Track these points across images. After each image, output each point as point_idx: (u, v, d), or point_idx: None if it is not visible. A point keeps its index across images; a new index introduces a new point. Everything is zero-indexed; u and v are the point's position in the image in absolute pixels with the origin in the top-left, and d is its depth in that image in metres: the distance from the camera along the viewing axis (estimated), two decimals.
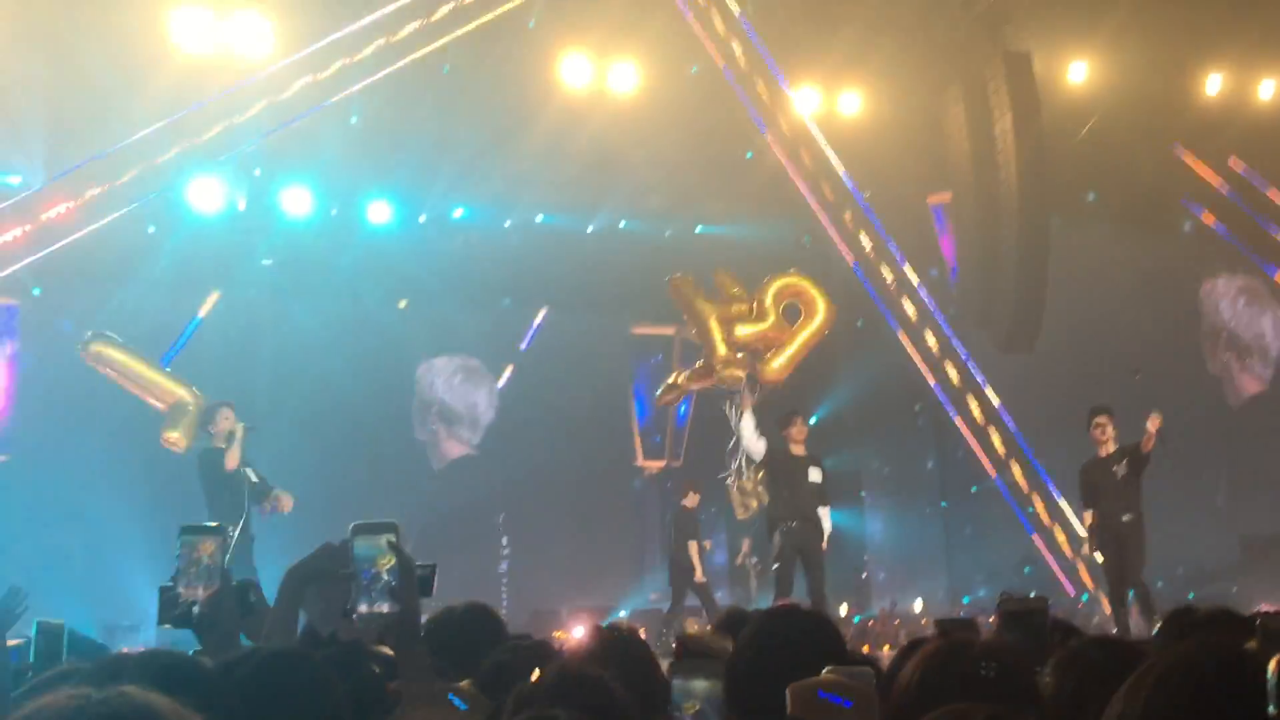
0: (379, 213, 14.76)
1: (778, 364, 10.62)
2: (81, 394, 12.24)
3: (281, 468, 14.47)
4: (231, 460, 9.13)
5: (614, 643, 3.02)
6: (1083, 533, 10.36)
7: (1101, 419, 9.99)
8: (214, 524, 2.50)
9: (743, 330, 10.68)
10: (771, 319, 10.71)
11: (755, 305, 10.84)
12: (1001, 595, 3.44)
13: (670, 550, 12.49)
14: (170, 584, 2.40)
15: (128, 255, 13.29)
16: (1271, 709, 1.00)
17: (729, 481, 16.04)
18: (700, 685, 2.18)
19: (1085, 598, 13.53)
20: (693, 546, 12.17)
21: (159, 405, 10.65)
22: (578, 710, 2.11)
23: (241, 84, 12.01)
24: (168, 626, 2.43)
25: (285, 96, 12.20)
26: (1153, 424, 9.57)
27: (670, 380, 11.52)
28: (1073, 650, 2.02)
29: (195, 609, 2.38)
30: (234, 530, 8.60)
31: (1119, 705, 1.31)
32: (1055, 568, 14.22)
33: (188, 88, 11.88)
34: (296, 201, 14.10)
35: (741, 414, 9.74)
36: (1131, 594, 9.67)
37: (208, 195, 13.63)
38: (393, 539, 2.29)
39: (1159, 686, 1.27)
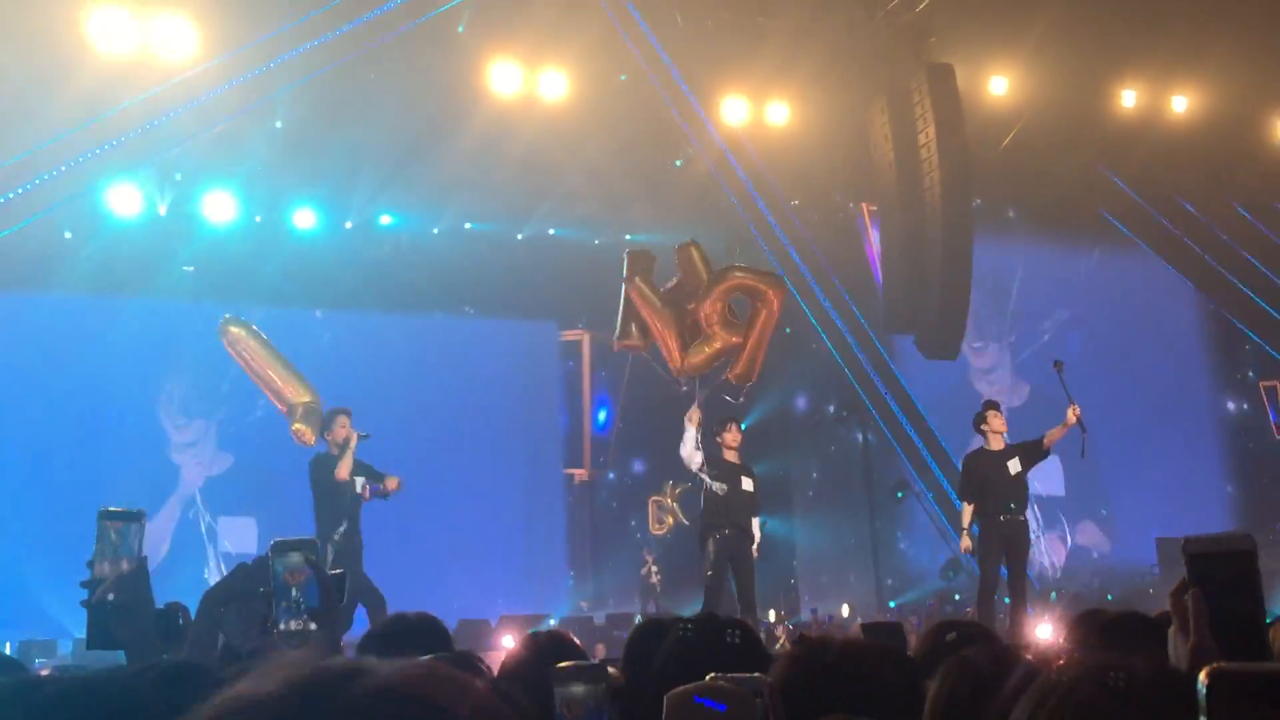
0: (304, 219, 14.58)
1: (741, 370, 10.23)
2: None
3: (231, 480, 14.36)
4: (343, 470, 9.13)
5: (550, 648, 2.99)
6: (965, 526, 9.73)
7: (992, 412, 9.74)
8: (134, 509, 2.43)
9: (695, 356, 10.20)
10: (719, 337, 10.14)
11: (702, 321, 10.26)
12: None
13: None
14: (89, 571, 2.34)
15: (43, 260, 12.98)
16: None
17: (650, 498, 16.12)
18: (578, 690, 2.17)
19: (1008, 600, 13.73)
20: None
21: (279, 401, 10.49)
22: None
23: (162, 87, 11.77)
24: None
25: (207, 100, 11.98)
26: (1072, 414, 9.43)
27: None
28: (959, 656, 2.02)
29: (110, 597, 2.33)
30: (337, 535, 8.81)
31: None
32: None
33: (107, 90, 11.61)
34: (219, 207, 13.88)
35: (687, 425, 9.65)
36: (1008, 599, 9.46)
37: (127, 200, 13.37)
38: (311, 556, 2.28)
39: (1065, 704, 1.19)
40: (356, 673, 0.76)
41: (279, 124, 13.30)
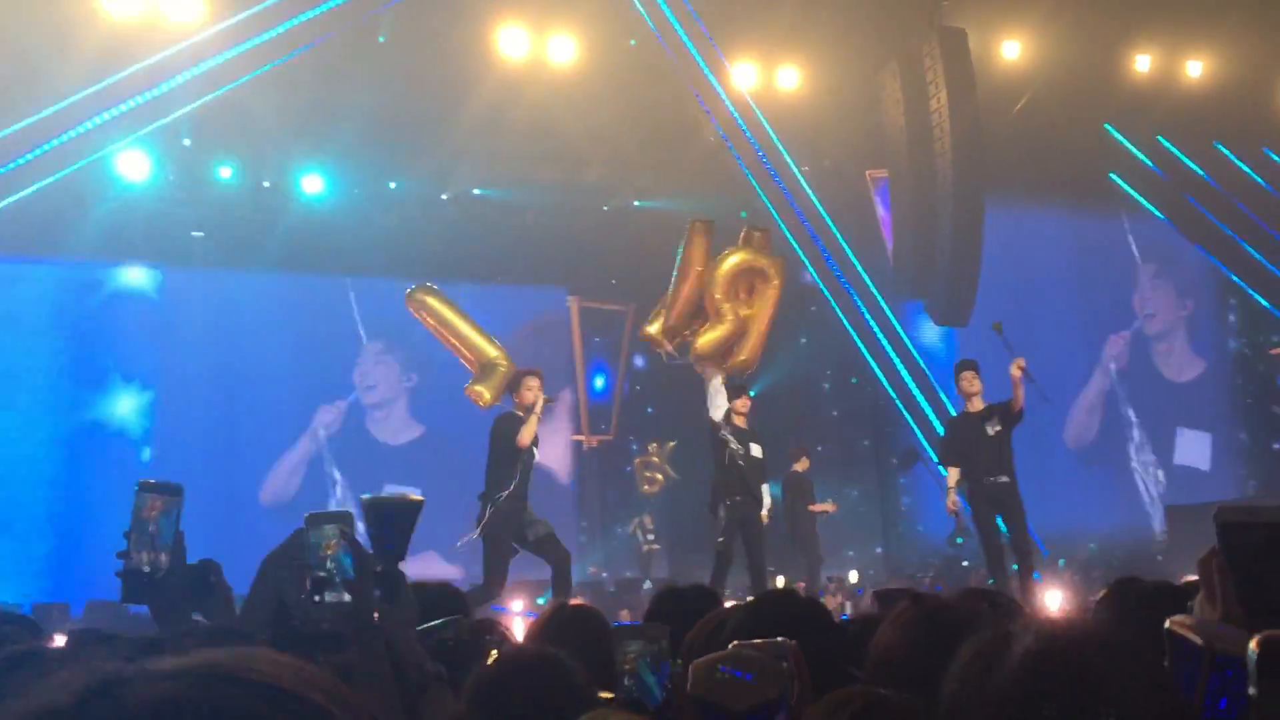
0: (312, 185, 14.55)
1: (745, 354, 9.99)
2: None
3: (211, 443, 14.40)
4: (526, 435, 8.74)
5: (571, 620, 3.02)
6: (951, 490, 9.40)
7: (968, 373, 9.38)
8: (172, 483, 2.42)
9: (703, 342, 9.97)
10: (729, 320, 9.81)
11: (707, 307, 9.87)
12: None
13: (787, 516, 12.54)
14: (125, 552, 2.34)
15: (53, 225, 12.98)
16: (1251, 690, 1.00)
17: (635, 459, 16.11)
18: (634, 645, 2.17)
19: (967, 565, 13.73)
20: (816, 508, 12.66)
21: (468, 361, 10.30)
22: (535, 690, 2.10)
23: (171, 50, 11.71)
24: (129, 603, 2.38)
25: (216, 64, 11.93)
26: (1015, 369, 9.15)
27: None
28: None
29: (146, 569, 2.33)
30: (500, 496, 8.58)
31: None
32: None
33: (115, 54, 11.56)
34: (229, 172, 13.86)
35: (709, 380, 9.63)
36: (1015, 566, 9.13)
37: (135, 165, 13.35)
38: (345, 529, 2.29)
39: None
40: (124, 681, 0.73)
41: (288, 89, 13.24)
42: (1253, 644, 1.00)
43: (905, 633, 1.94)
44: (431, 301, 10.44)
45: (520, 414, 8.85)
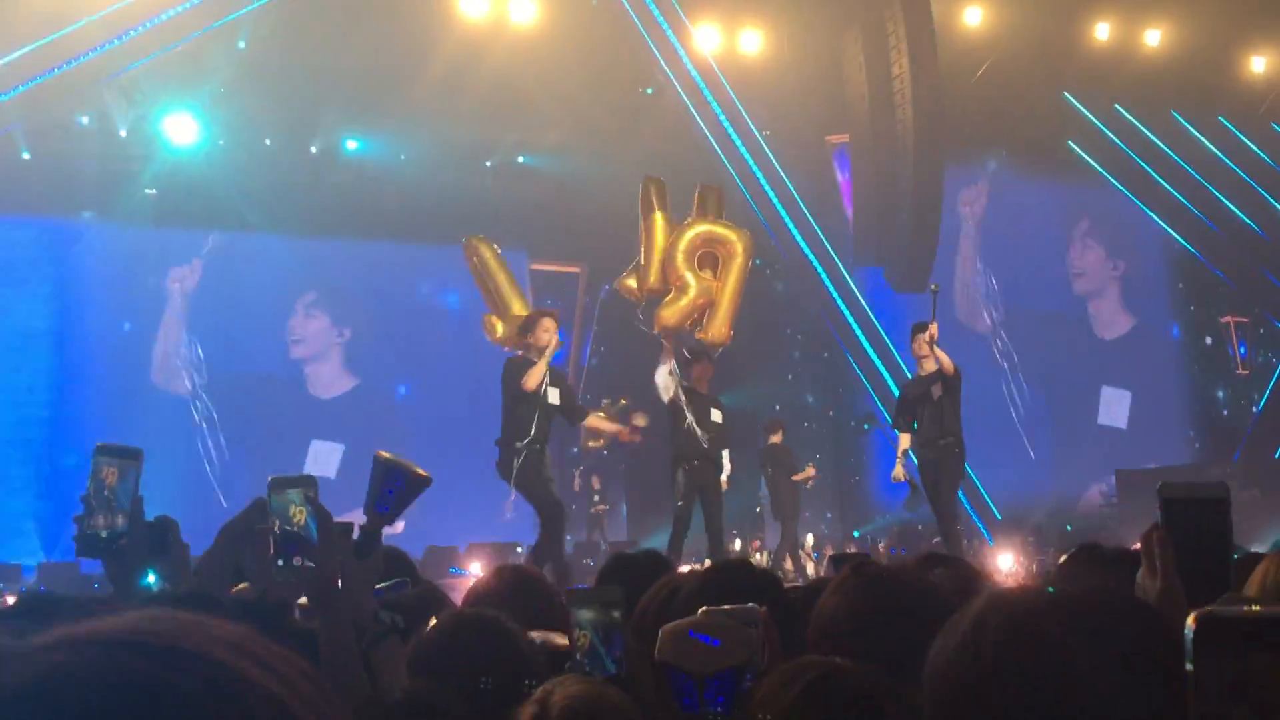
0: (268, 143, 14.34)
1: (716, 329, 9.92)
2: None
3: (164, 402, 14.26)
4: (532, 380, 8.35)
5: (515, 583, 3.01)
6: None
7: (916, 336, 9.37)
8: (128, 447, 2.39)
9: (667, 314, 9.90)
10: (693, 289, 9.65)
11: (669, 277, 9.78)
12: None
13: (769, 488, 12.72)
14: (83, 513, 2.31)
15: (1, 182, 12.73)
16: (1188, 666, 1.01)
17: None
18: (585, 615, 2.18)
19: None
20: (799, 476, 13.01)
21: (496, 314, 10.21)
22: (477, 653, 2.09)
23: (123, 3, 11.46)
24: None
25: (169, 19, 11.69)
26: (926, 337, 9.24)
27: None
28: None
29: (102, 535, 2.30)
30: (520, 444, 8.35)
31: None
32: None
33: (67, 6, 11.30)
34: (181, 129, 13.61)
35: (662, 361, 9.58)
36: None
37: (87, 119, 13.10)
38: (310, 493, 2.26)
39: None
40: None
41: (242, 45, 13.01)
42: (1190, 620, 1.02)
43: (846, 600, 1.96)
44: (484, 250, 10.52)
45: (534, 357, 8.53)
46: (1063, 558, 2.67)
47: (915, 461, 9.56)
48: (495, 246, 10.66)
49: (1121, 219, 17.98)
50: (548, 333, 8.53)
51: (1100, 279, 18.10)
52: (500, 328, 9.82)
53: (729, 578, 2.42)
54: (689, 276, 9.71)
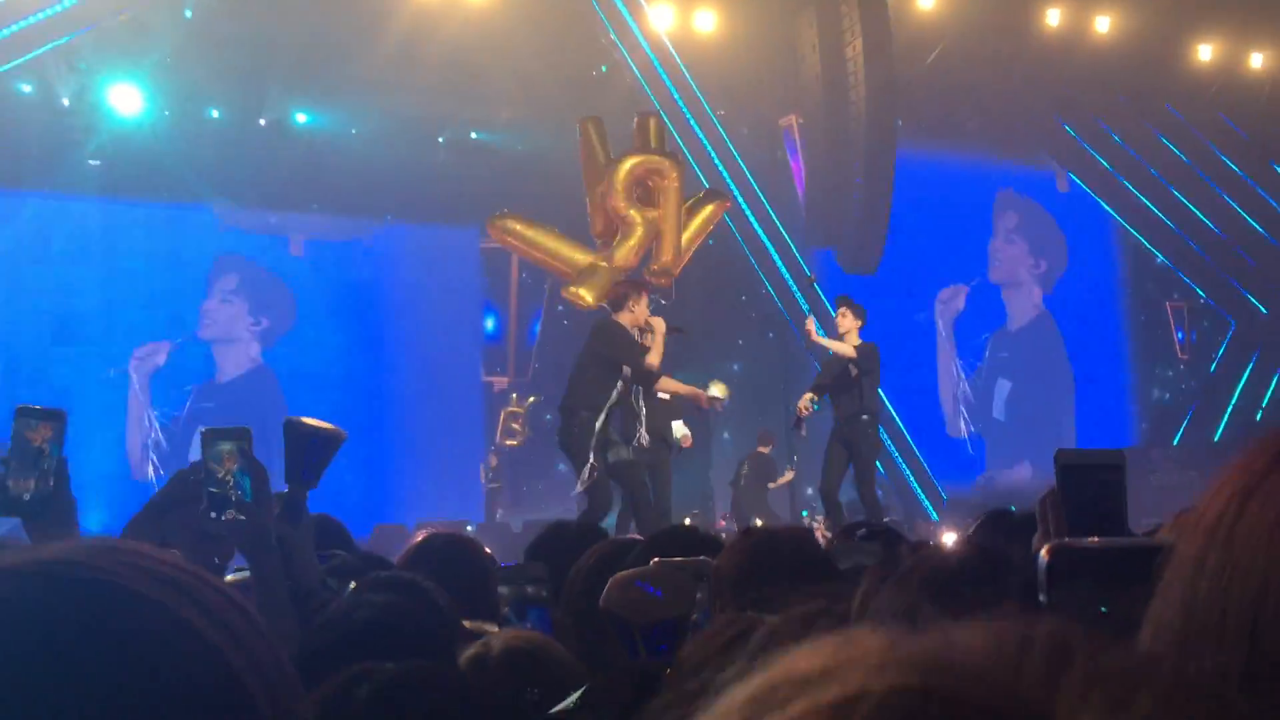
0: (215, 114, 14.13)
1: (666, 258, 9.78)
2: None
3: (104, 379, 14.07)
4: (656, 356, 8.00)
5: (442, 550, 2.99)
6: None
7: (841, 309, 9.43)
8: (54, 409, 2.35)
9: (620, 255, 9.64)
10: (639, 225, 9.53)
11: (612, 214, 9.70)
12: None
13: (746, 493, 13.28)
14: (3, 473, 2.26)
15: None
16: (1042, 597, 1.04)
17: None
18: (504, 590, 2.18)
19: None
20: (777, 484, 13.71)
21: (563, 274, 9.86)
22: (391, 616, 2.08)
23: None
24: None
25: None
26: (809, 327, 9.47)
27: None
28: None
29: (25, 498, 2.26)
30: (596, 409, 8.01)
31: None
32: (894, 490, 14.83)
33: None
34: (126, 99, 13.37)
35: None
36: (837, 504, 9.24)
37: (29, 89, 12.83)
38: (244, 445, 2.24)
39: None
40: None
41: (188, 13, 12.80)
42: (1043, 552, 1.04)
43: (736, 558, 2.04)
44: (514, 225, 10.17)
45: (635, 334, 8.16)
46: (974, 524, 2.80)
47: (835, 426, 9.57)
48: (517, 215, 10.30)
49: (1067, 203, 18.21)
50: (638, 312, 8.22)
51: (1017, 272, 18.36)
52: (589, 295, 9.37)
53: (673, 543, 2.44)
54: (633, 214, 9.72)
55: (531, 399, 15.49)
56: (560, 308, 16.31)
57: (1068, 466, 1.61)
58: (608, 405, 8.19)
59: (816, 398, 9.64)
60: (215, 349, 15.28)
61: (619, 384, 8.10)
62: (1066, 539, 1.09)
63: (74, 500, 2.31)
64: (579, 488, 8.44)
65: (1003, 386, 17.59)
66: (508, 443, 15.40)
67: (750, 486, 13.40)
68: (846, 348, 9.30)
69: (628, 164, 9.82)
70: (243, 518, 2.21)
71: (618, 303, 8.41)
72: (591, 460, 8.16)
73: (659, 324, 8.22)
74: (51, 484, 2.26)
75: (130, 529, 2.37)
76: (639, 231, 9.66)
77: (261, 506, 2.23)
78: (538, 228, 10.17)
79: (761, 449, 13.80)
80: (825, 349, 9.68)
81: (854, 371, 9.30)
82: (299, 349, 15.58)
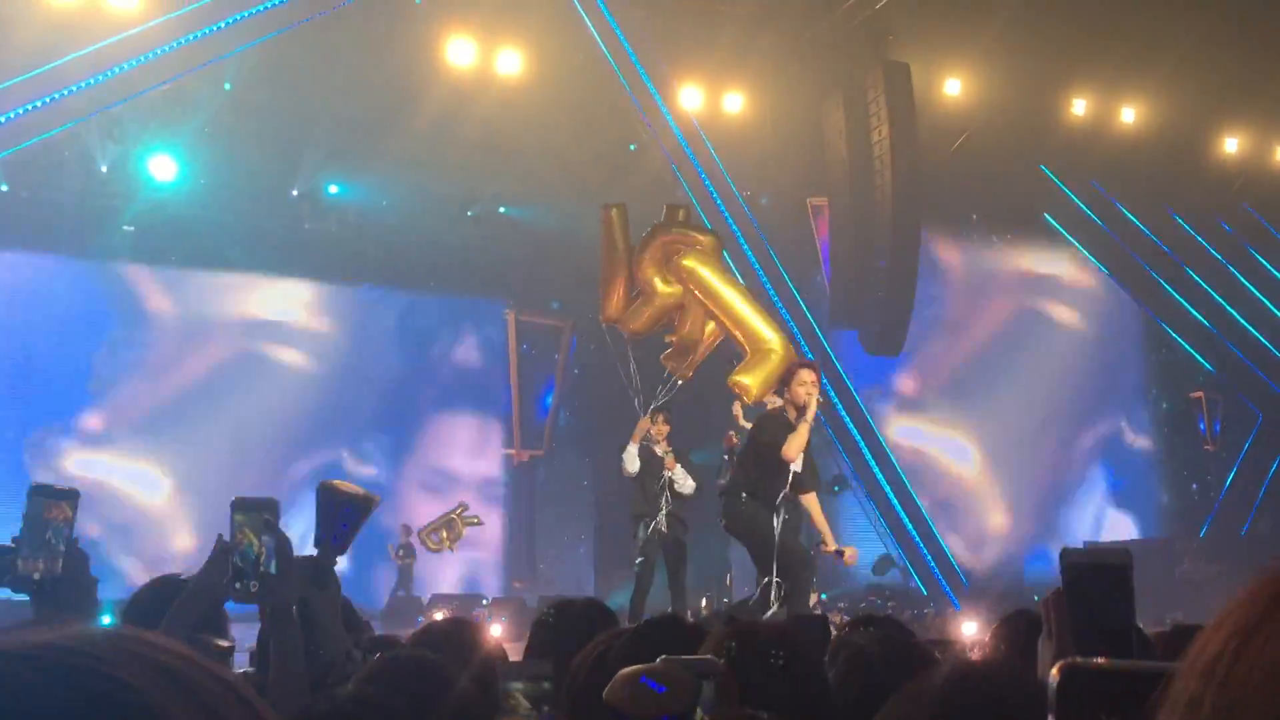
0: (249, 184, 14.38)
1: (688, 331, 9.68)
2: None
3: (145, 445, 14.14)
4: (794, 447, 7.45)
5: (448, 632, 2.97)
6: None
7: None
8: (67, 489, 2.36)
9: (634, 319, 9.66)
10: (659, 294, 9.50)
11: (639, 280, 9.74)
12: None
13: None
14: (11, 546, 2.27)
15: None
16: (1050, 718, 1.03)
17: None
18: (516, 686, 2.17)
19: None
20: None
21: (738, 341, 9.22)
22: (406, 692, 2.08)
23: (110, 40, 11.51)
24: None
25: (156, 57, 11.73)
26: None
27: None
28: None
29: (35, 577, 2.26)
30: (751, 494, 7.66)
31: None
32: (912, 569, 14.66)
33: (53, 41, 11.34)
34: (162, 167, 13.64)
35: (629, 441, 9.54)
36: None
37: (68, 155, 13.10)
38: (270, 517, 2.24)
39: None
40: None
41: (228, 86, 13.08)
42: (1053, 671, 1.03)
43: (717, 651, 2.06)
44: (699, 272, 9.45)
45: (790, 418, 7.66)
46: (996, 624, 2.79)
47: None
48: (708, 257, 9.68)
49: (1094, 291, 18.20)
50: (805, 387, 7.58)
51: None
52: (755, 387, 8.81)
53: (659, 634, 2.43)
54: (656, 282, 9.74)
55: (476, 519, 15.41)
56: (577, 370, 16.39)
57: (1074, 565, 1.58)
58: (778, 496, 7.92)
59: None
60: None
61: (779, 475, 7.79)
62: (1076, 659, 1.07)
63: (95, 580, 2.32)
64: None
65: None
66: (433, 548, 15.27)
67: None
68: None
69: (671, 234, 9.86)
70: (260, 588, 2.21)
71: (785, 379, 8.01)
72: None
73: (813, 407, 7.69)
74: (60, 565, 2.27)
75: (177, 612, 2.35)
76: (655, 304, 9.76)
77: (283, 578, 2.23)
78: (727, 281, 9.65)
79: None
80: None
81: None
82: (319, 416, 15.67)
